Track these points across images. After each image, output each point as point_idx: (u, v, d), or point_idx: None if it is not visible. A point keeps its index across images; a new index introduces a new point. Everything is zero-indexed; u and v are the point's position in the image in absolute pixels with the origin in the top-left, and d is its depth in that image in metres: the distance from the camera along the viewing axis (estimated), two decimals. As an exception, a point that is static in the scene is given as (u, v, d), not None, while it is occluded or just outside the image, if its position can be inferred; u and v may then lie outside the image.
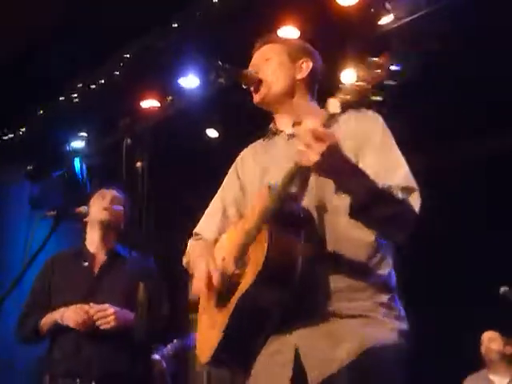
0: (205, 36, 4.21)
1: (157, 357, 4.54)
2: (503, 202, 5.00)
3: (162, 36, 4.37)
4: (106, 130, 5.07)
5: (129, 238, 3.26)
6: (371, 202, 1.71)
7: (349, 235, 1.85)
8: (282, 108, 2.13)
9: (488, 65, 4.26)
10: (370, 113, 2.02)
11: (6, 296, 2.73)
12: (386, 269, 1.92)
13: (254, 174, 2.13)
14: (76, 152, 5.55)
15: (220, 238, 2.10)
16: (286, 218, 1.80)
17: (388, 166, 1.87)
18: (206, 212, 2.26)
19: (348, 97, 1.57)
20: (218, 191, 2.27)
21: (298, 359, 1.81)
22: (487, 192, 5.06)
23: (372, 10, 3.99)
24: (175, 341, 4.84)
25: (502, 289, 3.55)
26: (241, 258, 1.88)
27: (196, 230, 2.25)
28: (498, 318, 4.45)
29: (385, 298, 1.87)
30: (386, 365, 1.79)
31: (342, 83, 1.61)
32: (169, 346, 4.77)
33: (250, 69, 2.16)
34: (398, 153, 1.93)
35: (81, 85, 4.87)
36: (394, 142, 1.96)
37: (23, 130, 5.42)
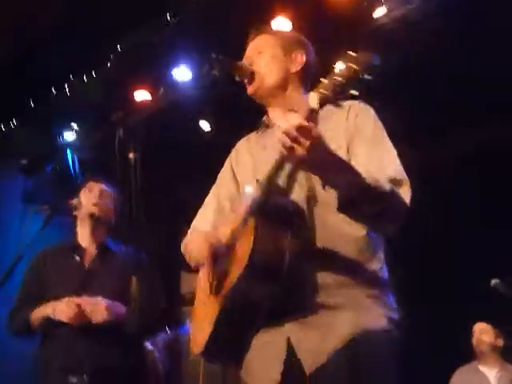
0: (198, 28, 4.20)
1: (149, 346, 4.53)
2: (496, 198, 5.02)
3: (155, 28, 4.35)
4: (98, 122, 5.05)
5: (121, 231, 3.25)
6: (358, 196, 1.70)
7: (339, 229, 1.85)
8: (275, 101, 2.12)
9: (482, 60, 4.25)
10: (362, 105, 2.01)
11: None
12: (377, 263, 1.92)
13: (247, 167, 2.12)
14: (68, 145, 5.53)
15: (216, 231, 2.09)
16: (273, 211, 1.80)
17: (378, 158, 1.87)
18: (202, 205, 2.26)
19: (326, 92, 1.57)
20: (214, 184, 2.26)
21: (291, 350, 1.81)
22: (480, 188, 5.07)
23: (365, 2, 3.98)
24: (168, 331, 4.84)
25: (493, 281, 3.57)
26: (230, 252, 1.88)
27: (193, 223, 2.24)
28: (490, 310, 4.48)
29: (375, 291, 1.87)
30: (376, 350, 1.79)
31: (322, 78, 1.60)
32: (161, 336, 4.77)
33: (243, 61, 2.15)
34: (389, 145, 1.92)
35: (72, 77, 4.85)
36: (385, 133, 1.95)
37: (15, 124, 5.39)
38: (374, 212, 1.76)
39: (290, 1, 3.98)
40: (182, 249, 2.17)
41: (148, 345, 4.51)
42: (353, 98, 1.64)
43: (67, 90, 4.89)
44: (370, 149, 1.89)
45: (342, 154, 1.86)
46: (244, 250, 1.76)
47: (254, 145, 2.19)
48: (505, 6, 3.86)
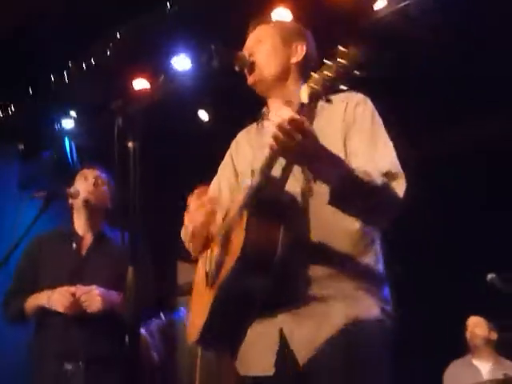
0: (198, 17, 4.18)
1: (143, 332, 4.54)
2: (493, 193, 5.02)
3: (154, 17, 4.33)
4: (97, 110, 5.04)
5: (117, 218, 3.25)
6: (350, 191, 1.71)
7: (333, 222, 1.84)
8: (275, 92, 2.12)
9: (480, 54, 4.24)
10: (361, 96, 2.01)
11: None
12: (372, 256, 1.92)
13: (247, 158, 2.12)
14: (66, 132, 5.51)
15: None
16: (266, 203, 1.80)
17: (374, 151, 1.87)
18: None
19: (316, 86, 1.57)
20: (215, 175, 2.27)
21: (284, 341, 1.82)
22: (477, 182, 5.06)
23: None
24: (162, 316, 4.85)
25: (489, 276, 3.58)
26: (225, 243, 1.90)
27: None
28: (485, 304, 4.50)
29: (368, 284, 1.88)
30: (369, 339, 1.80)
31: (313, 72, 1.60)
32: (155, 322, 4.78)
33: (244, 51, 2.14)
34: (386, 137, 1.92)
35: (71, 65, 4.83)
36: (382, 126, 1.95)
37: (12, 110, 5.37)
38: (365, 206, 1.77)
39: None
40: (182, 234, 2.17)
41: (142, 331, 4.52)
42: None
43: (66, 77, 4.87)
44: (366, 141, 1.89)
45: (338, 147, 1.87)
46: (237, 241, 1.77)
47: (253, 136, 2.19)
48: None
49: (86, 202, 3.20)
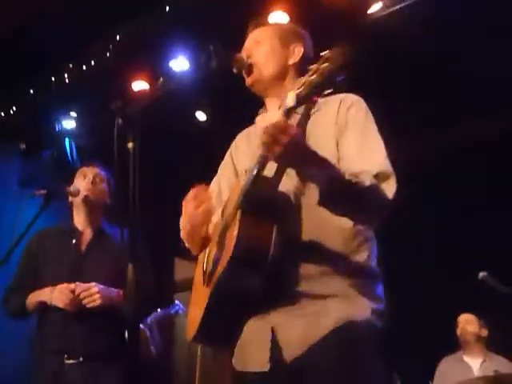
0: (196, 20, 4.18)
1: (141, 326, 4.54)
2: (483, 192, 5.02)
3: (153, 18, 4.33)
4: (97, 110, 5.03)
5: (117, 215, 3.25)
6: (337, 191, 1.70)
7: (326, 220, 1.83)
8: (272, 92, 2.11)
9: (474, 55, 4.25)
10: (354, 97, 2.01)
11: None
12: (365, 253, 1.91)
13: (246, 158, 2.12)
14: (66, 132, 5.51)
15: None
16: (258, 202, 1.81)
17: (364, 151, 1.86)
18: None
19: (302, 90, 1.58)
20: (216, 175, 2.28)
21: (275, 339, 1.82)
22: (467, 181, 5.06)
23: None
24: (159, 310, 4.86)
25: (481, 274, 3.58)
26: (221, 242, 1.90)
27: None
28: (476, 302, 4.51)
29: (361, 281, 1.87)
30: (359, 341, 1.79)
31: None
32: (152, 316, 4.78)
33: (242, 53, 2.14)
34: (378, 138, 1.92)
35: (72, 65, 4.83)
36: (374, 127, 1.95)
37: (13, 109, 5.36)
38: (354, 207, 1.77)
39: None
40: (182, 234, 2.17)
41: (140, 325, 4.52)
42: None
43: (66, 78, 4.87)
44: (358, 143, 1.89)
45: (331, 149, 1.88)
46: (231, 240, 1.77)
47: (252, 136, 2.19)
48: (501, 4, 3.86)
49: (85, 199, 3.20)
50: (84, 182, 3.22)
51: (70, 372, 2.89)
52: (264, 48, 2.12)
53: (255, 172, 1.77)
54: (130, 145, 1.79)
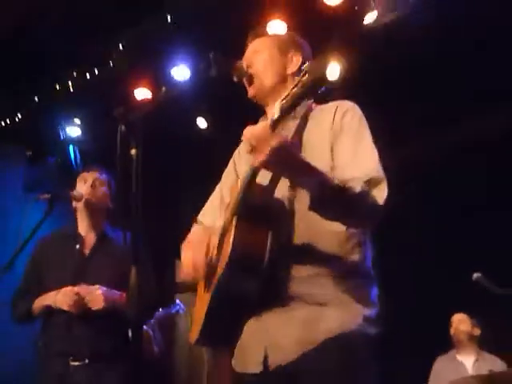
0: (196, 29, 4.18)
1: (144, 326, 4.53)
2: (478, 193, 5.01)
3: (154, 27, 4.33)
4: (101, 117, 5.03)
5: (119, 219, 3.24)
6: (327, 197, 1.70)
7: (320, 224, 1.82)
8: (272, 101, 2.09)
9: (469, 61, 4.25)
10: (349, 104, 2.00)
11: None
12: (359, 256, 1.90)
13: (247, 166, 2.11)
14: (70, 139, 5.51)
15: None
16: (253, 209, 1.81)
17: (357, 157, 1.86)
18: (208, 200, 2.28)
19: (286, 102, 1.61)
20: (220, 182, 2.28)
21: (269, 342, 1.82)
22: (463, 182, 5.05)
23: (356, 7, 3.98)
24: (160, 310, 4.85)
25: (475, 275, 3.57)
26: (220, 247, 1.90)
27: (198, 216, 2.25)
28: (470, 302, 4.50)
29: (354, 284, 1.86)
30: (351, 347, 1.78)
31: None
32: (155, 316, 4.77)
33: (242, 62, 2.14)
34: (370, 144, 1.91)
35: (75, 73, 4.83)
36: (368, 132, 1.94)
37: (19, 116, 5.36)
38: (344, 212, 1.76)
39: (285, 4, 3.97)
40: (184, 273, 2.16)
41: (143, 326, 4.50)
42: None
43: (70, 85, 4.86)
44: (351, 149, 1.88)
45: (326, 156, 1.88)
46: (227, 247, 1.77)
47: None
48: (494, 20, 3.88)
49: (86, 203, 3.19)
50: (84, 186, 3.21)
51: (75, 374, 2.88)
52: (263, 57, 2.11)
53: (247, 179, 1.79)
54: (133, 151, 1.78)
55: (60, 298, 2.93)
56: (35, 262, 3.18)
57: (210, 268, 1.92)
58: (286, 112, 1.62)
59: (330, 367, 1.74)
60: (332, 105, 2.00)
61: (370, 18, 3.99)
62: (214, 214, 2.16)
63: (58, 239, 3.25)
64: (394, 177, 1.87)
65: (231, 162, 2.26)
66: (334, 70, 4.49)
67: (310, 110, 2.06)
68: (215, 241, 1.98)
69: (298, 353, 1.77)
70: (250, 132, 1.65)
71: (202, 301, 1.97)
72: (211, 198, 2.26)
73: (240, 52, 2.18)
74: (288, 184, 1.88)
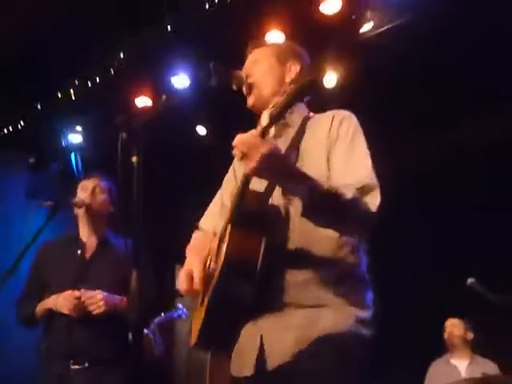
0: (196, 38, 4.19)
1: (144, 330, 4.52)
2: (472, 197, 5.00)
3: (155, 37, 4.34)
4: (102, 125, 5.04)
5: (120, 225, 3.24)
6: (318, 204, 1.70)
7: (315, 230, 1.82)
8: None
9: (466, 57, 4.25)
10: (346, 113, 2.01)
11: (1, 284, 2.69)
12: (354, 260, 1.90)
13: None
14: (72, 146, 5.51)
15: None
16: (248, 216, 1.81)
17: (351, 164, 1.86)
18: (209, 206, 2.28)
19: (275, 110, 1.64)
20: (220, 188, 2.28)
21: (264, 346, 1.82)
22: (456, 187, 5.05)
23: (353, 17, 3.99)
24: (162, 314, 4.84)
25: (469, 280, 3.57)
26: (217, 253, 1.91)
27: (200, 222, 2.26)
28: (464, 308, 4.49)
29: (349, 288, 1.85)
30: (341, 350, 1.77)
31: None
32: (156, 320, 4.76)
33: (241, 72, 2.14)
34: (364, 151, 1.91)
35: (77, 82, 4.84)
36: (362, 140, 1.94)
37: (21, 123, 5.36)
38: (336, 219, 1.76)
39: (282, 17, 3.98)
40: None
41: (143, 330, 4.48)
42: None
43: (72, 94, 4.87)
44: (345, 156, 1.89)
45: (322, 163, 1.89)
46: (222, 253, 1.78)
47: None
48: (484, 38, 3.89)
49: (87, 210, 3.20)
50: (84, 194, 3.22)
51: (75, 377, 2.87)
52: (262, 66, 2.12)
53: (240, 187, 1.80)
54: (134, 158, 1.78)
55: (60, 301, 2.93)
56: (37, 266, 3.19)
57: (209, 273, 1.92)
58: (274, 119, 1.64)
59: (322, 367, 1.73)
60: (329, 114, 2.01)
61: (366, 27, 4.00)
62: (215, 220, 2.16)
63: (59, 244, 3.26)
64: (390, 182, 1.88)
65: (231, 168, 2.26)
66: (329, 79, 4.51)
67: (307, 118, 2.07)
68: (214, 246, 1.98)
69: (292, 354, 1.77)
70: (240, 139, 1.65)
71: (201, 305, 1.97)
72: (212, 205, 2.26)
73: (239, 61, 2.18)
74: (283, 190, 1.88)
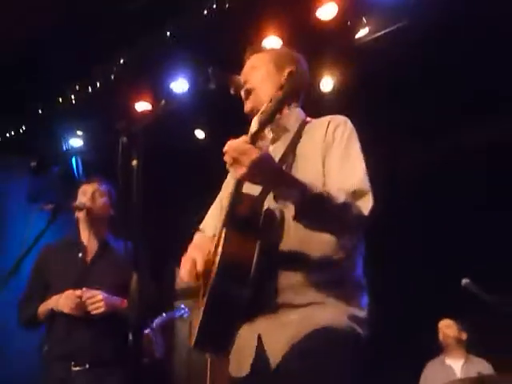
0: (195, 44, 4.20)
1: (147, 329, 4.51)
2: (466, 198, 5.00)
3: (154, 43, 4.34)
4: (103, 129, 5.04)
5: (120, 228, 3.24)
6: (309, 208, 1.70)
7: (310, 235, 1.82)
8: None
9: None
10: (341, 118, 2.01)
11: (3, 286, 2.68)
12: (349, 264, 1.90)
13: None
14: (73, 150, 5.51)
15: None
16: (241, 219, 1.81)
17: (345, 169, 1.87)
18: (209, 210, 2.28)
19: (263, 116, 1.66)
20: (220, 193, 2.28)
21: (261, 346, 1.81)
22: (450, 188, 5.05)
23: (349, 23, 4.00)
24: (164, 314, 4.83)
25: (464, 281, 3.56)
26: (214, 256, 1.90)
27: (200, 226, 2.26)
28: (460, 308, 4.49)
29: (345, 291, 1.85)
30: (332, 346, 1.77)
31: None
32: (158, 319, 4.75)
33: (239, 77, 2.15)
34: (358, 156, 1.92)
35: (78, 87, 4.84)
36: (357, 145, 1.94)
37: (23, 128, 5.36)
38: (328, 223, 1.77)
39: (280, 23, 3.99)
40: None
41: (143, 331, 4.46)
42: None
43: (73, 99, 4.87)
44: (339, 161, 1.89)
45: (318, 167, 1.89)
46: (217, 257, 1.78)
47: None
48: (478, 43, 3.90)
49: (88, 213, 3.20)
50: (84, 198, 3.22)
51: (77, 379, 2.86)
52: (260, 72, 2.12)
53: (233, 191, 1.80)
54: (134, 162, 1.78)
55: (62, 301, 2.93)
56: (39, 269, 3.18)
57: (207, 275, 1.92)
58: (263, 125, 1.66)
59: (317, 363, 1.72)
60: (325, 119, 2.01)
61: (362, 32, 4.01)
62: (215, 223, 2.16)
63: (61, 247, 3.25)
64: (386, 185, 1.88)
65: (230, 172, 2.27)
66: (326, 83, 4.52)
67: (305, 123, 2.07)
68: (212, 249, 1.98)
69: (288, 351, 1.76)
70: (230, 146, 1.65)
71: (200, 307, 1.97)
72: (211, 209, 2.26)
73: (237, 66, 2.18)
74: None
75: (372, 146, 1.97)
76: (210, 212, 2.27)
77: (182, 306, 5.02)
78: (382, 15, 3.90)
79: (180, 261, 2.06)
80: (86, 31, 4.26)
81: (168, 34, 4.16)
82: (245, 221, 1.81)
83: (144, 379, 1.97)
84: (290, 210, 1.80)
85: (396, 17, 3.86)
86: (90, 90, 4.79)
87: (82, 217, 3.23)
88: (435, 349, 4.85)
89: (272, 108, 1.64)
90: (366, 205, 1.79)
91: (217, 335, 1.92)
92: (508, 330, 4.06)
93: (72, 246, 3.22)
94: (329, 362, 1.73)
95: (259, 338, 1.82)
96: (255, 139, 1.66)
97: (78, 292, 2.93)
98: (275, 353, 1.78)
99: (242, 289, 1.77)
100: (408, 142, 5.25)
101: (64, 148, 5.49)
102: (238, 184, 1.79)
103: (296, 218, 1.72)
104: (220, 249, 1.76)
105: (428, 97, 4.48)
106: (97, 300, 2.92)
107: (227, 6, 3.88)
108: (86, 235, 3.24)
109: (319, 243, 1.84)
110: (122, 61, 4.50)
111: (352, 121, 2.00)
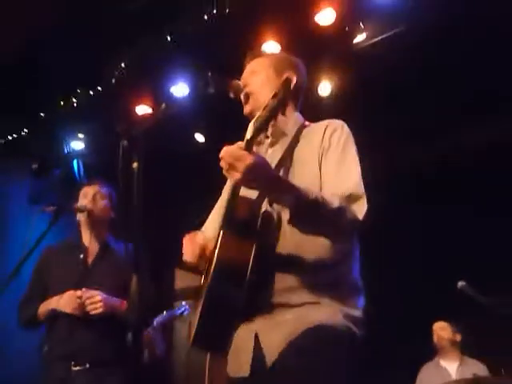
0: (195, 48, 4.20)
1: (148, 329, 4.50)
2: (464, 201, 5.00)
3: (155, 47, 4.35)
4: (104, 132, 5.04)
5: (121, 230, 3.24)
6: (303, 212, 1.72)
7: (306, 238, 1.83)
8: None
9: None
10: (338, 122, 2.02)
11: (4, 288, 2.68)
12: (345, 266, 1.90)
13: None
14: (75, 153, 5.51)
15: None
16: (238, 222, 1.82)
17: (340, 173, 1.88)
18: (210, 214, 2.29)
19: (258, 123, 1.68)
20: (220, 197, 2.29)
21: (258, 346, 1.82)
22: (449, 191, 5.05)
23: (347, 28, 4.00)
24: (165, 313, 4.82)
25: (460, 283, 3.57)
26: (212, 257, 1.89)
27: (202, 229, 2.26)
28: (448, 307, 4.49)
29: (341, 293, 1.85)
30: (327, 344, 1.77)
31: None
32: (159, 318, 4.74)
33: (239, 81, 2.15)
34: (354, 161, 1.93)
35: (79, 91, 4.84)
36: (353, 150, 1.96)
37: (25, 130, 5.35)
38: (322, 227, 1.79)
39: (278, 28, 4.00)
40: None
41: (142, 332, 4.44)
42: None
43: (74, 102, 4.87)
44: (335, 166, 1.90)
45: (315, 171, 1.91)
46: (214, 259, 1.78)
47: None
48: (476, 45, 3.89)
49: (89, 215, 3.20)
50: (85, 200, 3.22)
51: (77, 379, 2.86)
52: (260, 77, 2.13)
53: (230, 195, 1.82)
54: (135, 165, 1.79)
55: (63, 301, 2.94)
56: (40, 271, 3.19)
57: (205, 276, 1.92)
58: (258, 132, 1.68)
59: (312, 361, 1.73)
60: (323, 124, 2.02)
61: (359, 38, 4.02)
62: (215, 227, 2.15)
63: (62, 249, 3.26)
64: (383, 189, 1.88)
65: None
66: (324, 88, 4.52)
67: (303, 127, 2.07)
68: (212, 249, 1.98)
69: (283, 350, 1.77)
70: (226, 151, 1.66)
71: (199, 307, 1.97)
72: (212, 213, 2.27)
73: (237, 71, 2.19)
74: None
75: (370, 150, 1.97)
76: (210, 216, 2.28)
77: (183, 303, 5.01)
78: (380, 21, 3.91)
79: (179, 262, 2.06)
80: (86, 31, 4.26)
81: (168, 38, 4.16)
82: (242, 223, 1.82)
83: (144, 380, 1.97)
84: (286, 213, 1.81)
85: (393, 22, 3.87)
86: (91, 93, 4.79)
87: (83, 219, 3.23)
88: (430, 351, 4.84)
89: (266, 115, 1.66)
90: (360, 209, 1.80)
91: (214, 337, 1.92)
92: (503, 331, 4.06)
93: (73, 248, 3.22)
94: (324, 359, 1.74)
95: (256, 337, 1.83)
96: (250, 145, 1.68)
97: (78, 292, 2.94)
98: (272, 350, 1.78)
99: (238, 291, 1.77)
100: (406, 146, 5.25)
101: (65, 150, 5.49)
102: (235, 188, 1.80)
103: (291, 222, 1.74)
104: (216, 251, 1.76)
105: (428, 97, 4.48)
106: (96, 300, 2.93)
107: (227, 11, 3.88)
108: (87, 237, 3.24)
109: (314, 246, 1.85)
110: (123, 64, 4.50)
111: (350, 125, 2.01)
